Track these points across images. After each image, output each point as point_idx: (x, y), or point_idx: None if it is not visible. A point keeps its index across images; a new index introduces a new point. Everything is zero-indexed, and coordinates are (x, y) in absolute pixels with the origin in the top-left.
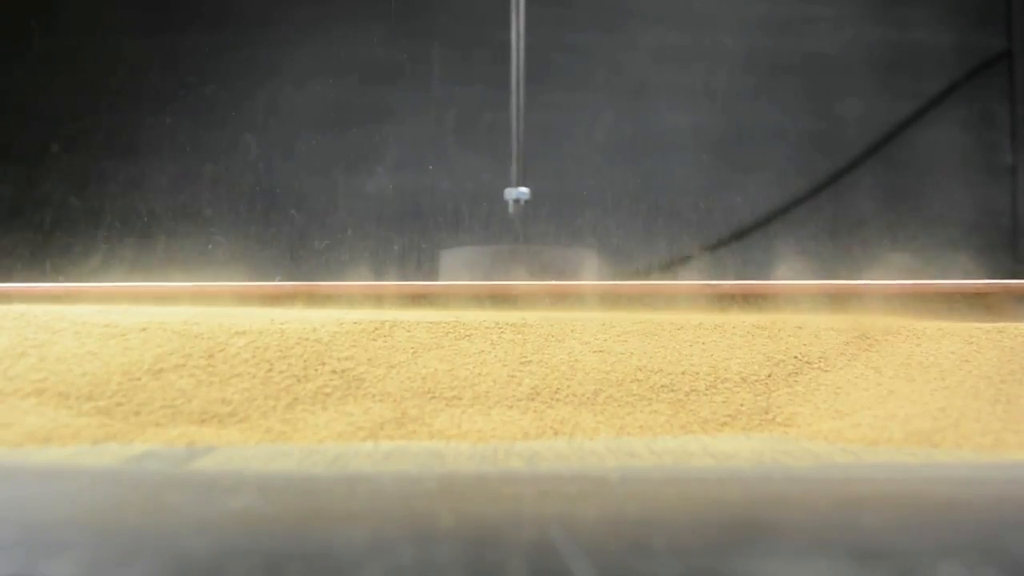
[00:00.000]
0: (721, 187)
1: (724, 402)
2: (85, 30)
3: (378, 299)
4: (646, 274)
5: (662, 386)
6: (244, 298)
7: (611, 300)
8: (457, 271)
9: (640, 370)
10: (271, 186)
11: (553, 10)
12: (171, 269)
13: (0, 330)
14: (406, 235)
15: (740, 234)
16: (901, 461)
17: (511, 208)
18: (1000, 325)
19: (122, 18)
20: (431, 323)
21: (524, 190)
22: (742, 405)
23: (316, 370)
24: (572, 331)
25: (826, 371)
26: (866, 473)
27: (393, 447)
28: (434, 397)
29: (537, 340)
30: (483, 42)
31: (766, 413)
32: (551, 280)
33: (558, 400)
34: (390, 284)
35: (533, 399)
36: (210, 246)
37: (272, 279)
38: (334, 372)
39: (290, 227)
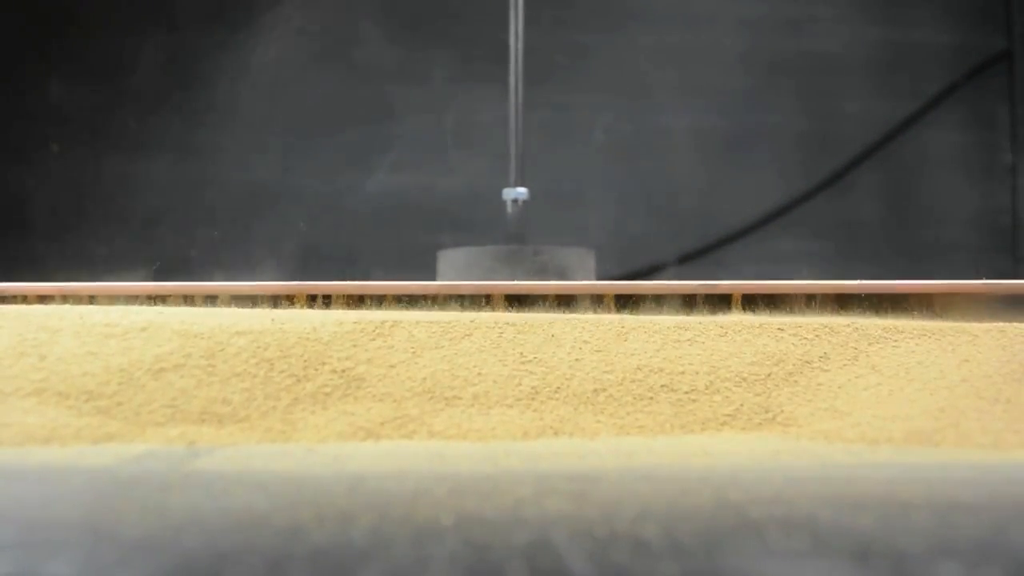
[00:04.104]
0: (721, 187)
1: (724, 402)
2: (85, 30)
3: (377, 300)
4: (645, 275)
5: (662, 386)
6: (244, 298)
7: (611, 301)
8: (455, 272)
9: (640, 370)
10: (271, 186)
11: (553, 10)
12: (171, 269)
13: (0, 330)
14: (405, 235)
15: (740, 234)
16: (901, 461)
17: (509, 208)
18: (1000, 325)
19: (122, 18)
20: (431, 323)
21: (523, 190)
22: (742, 405)
23: (316, 370)
24: (572, 331)
25: (826, 371)
26: (866, 473)
27: (393, 447)
28: (434, 397)
29: (537, 340)
30: (483, 42)
31: (766, 413)
32: (550, 281)
33: (558, 400)
34: (390, 284)
35: (533, 399)
36: (210, 245)
37: (273, 278)
38: (334, 372)
39: (290, 227)
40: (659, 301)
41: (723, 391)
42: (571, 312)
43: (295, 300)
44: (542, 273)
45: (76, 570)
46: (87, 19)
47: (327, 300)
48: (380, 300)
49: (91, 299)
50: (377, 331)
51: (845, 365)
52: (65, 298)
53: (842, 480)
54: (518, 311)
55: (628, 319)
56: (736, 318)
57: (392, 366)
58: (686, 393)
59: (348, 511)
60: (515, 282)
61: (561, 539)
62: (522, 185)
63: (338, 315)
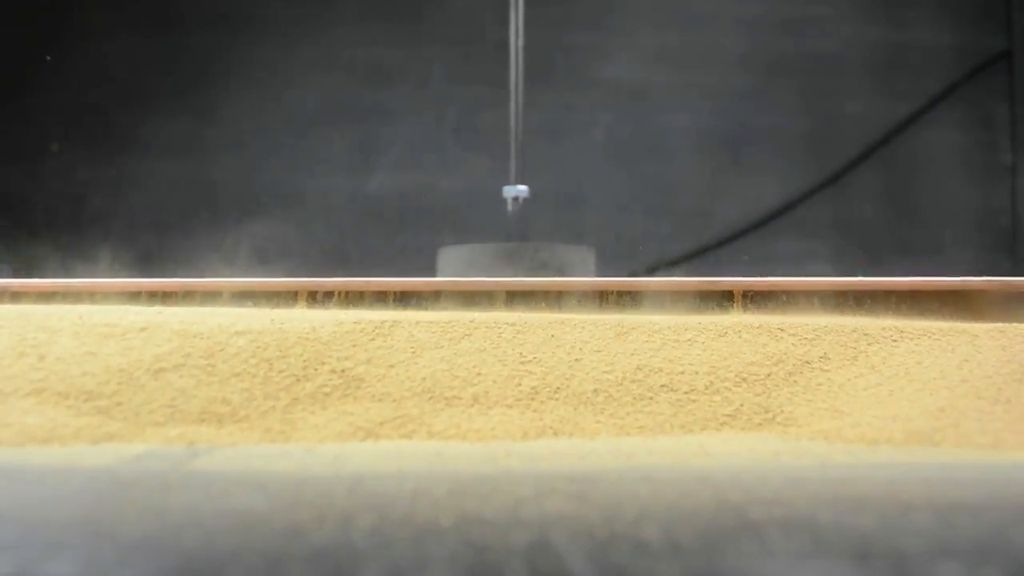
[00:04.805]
0: (721, 187)
1: (724, 402)
2: (86, 30)
3: (378, 295)
4: (645, 274)
5: (662, 386)
6: (246, 295)
7: (610, 297)
8: (456, 268)
9: (640, 370)
10: (271, 186)
11: (553, 10)
12: (171, 268)
13: (0, 330)
14: (405, 234)
15: (739, 234)
16: (901, 461)
17: (510, 206)
18: (1000, 325)
19: (123, 18)
20: (430, 323)
21: (523, 188)
22: (742, 405)
23: (316, 370)
24: (572, 331)
25: (826, 371)
26: (866, 473)
27: (393, 447)
28: (433, 397)
29: (537, 340)
30: (483, 42)
31: (766, 413)
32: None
33: (558, 400)
34: (391, 280)
35: (533, 399)
36: (210, 245)
37: (274, 276)
38: (334, 372)
39: (290, 226)
40: (661, 298)
41: (723, 391)
42: (573, 308)
43: (297, 297)
44: (543, 270)
45: (76, 570)
46: (86, 21)
47: (328, 296)
48: (382, 296)
49: (91, 296)
50: (377, 331)
51: (845, 365)
52: (66, 295)
53: (842, 480)
54: (519, 307)
55: (628, 319)
56: (736, 318)
57: (392, 366)
58: (686, 393)
59: (348, 511)
60: (516, 278)
61: (561, 540)
62: (522, 183)
63: (337, 315)
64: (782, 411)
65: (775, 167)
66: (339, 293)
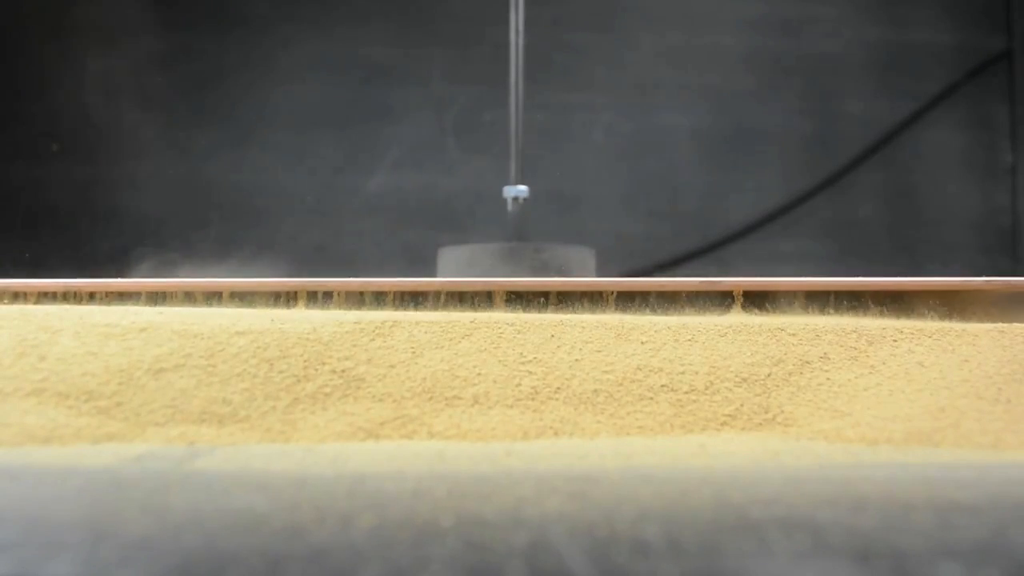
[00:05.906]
0: (721, 187)
1: (724, 402)
2: (85, 30)
3: (377, 295)
4: (645, 274)
5: (662, 386)
6: (245, 295)
7: (610, 297)
8: (456, 268)
9: (640, 370)
10: (270, 186)
11: (552, 9)
12: (170, 269)
13: (0, 330)
14: (405, 234)
15: (740, 234)
16: (901, 461)
17: (510, 206)
18: (1000, 325)
19: (122, 18)
20: (431, 323)
21: (523, 188)
22: (742, 405)
23: (316, 370)
24: (572, 331)
25: (826, 371)
26: (866, 473)
27: (393, 447)
28: (434, 397)
29: (537, 340)
30: (483, 42)
31: (766, 413)
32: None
33: (558, 400)
34: (391, 280)
35: (533, 399)
36: (209, 246)
37: (274, 277)
38: (334, 372)
39: (290, 227)
40: (660, 299)
41: (723, 391)
42: (573, 308)
43: (297, 297)
44: (543, 271)
45: (76, 570)
46: (85, 21)
47: (328, 297)
48: (382, 296)
49: (91, 296)
50: (377, 331)
51: (845, 365)
52: (66, 295)
53: (842, 480)
54: (519, 308)
55: (628, 319)
56: (736, 318)
57: (392, 366)
58: (686, 393)
59: (348, 512)
60: (516, 279)
61: (561, 540)
62: (522, 184)
63: (338, 315)
64: (782, 411)
65: (775, 167)
66: (339, 293)
